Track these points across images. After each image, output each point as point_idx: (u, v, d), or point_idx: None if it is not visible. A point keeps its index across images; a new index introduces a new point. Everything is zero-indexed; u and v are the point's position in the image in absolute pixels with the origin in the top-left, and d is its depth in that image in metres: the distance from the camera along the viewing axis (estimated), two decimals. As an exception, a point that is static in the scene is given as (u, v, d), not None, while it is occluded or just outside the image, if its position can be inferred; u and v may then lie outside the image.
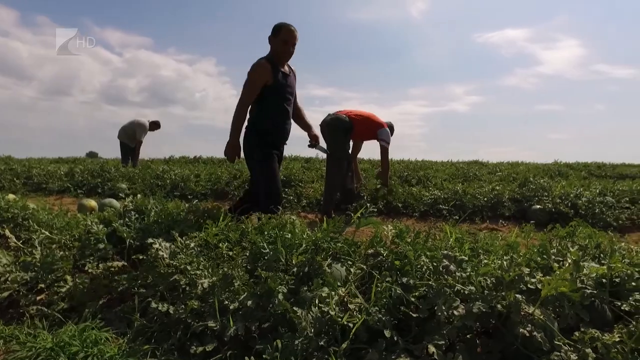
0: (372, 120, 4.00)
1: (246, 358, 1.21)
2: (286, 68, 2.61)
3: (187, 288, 1.60)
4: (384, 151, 4.03)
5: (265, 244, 1.73)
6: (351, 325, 1.24)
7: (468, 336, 1.25)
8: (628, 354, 1.14)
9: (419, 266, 1.40)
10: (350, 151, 4.07)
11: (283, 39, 2.47)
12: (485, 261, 1.42)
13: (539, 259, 1.51)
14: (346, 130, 3.84)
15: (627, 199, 4.12)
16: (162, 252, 1.74)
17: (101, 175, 5.48)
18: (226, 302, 1.47)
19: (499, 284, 1.28)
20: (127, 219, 2.25)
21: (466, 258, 1.38)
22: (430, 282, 1.30)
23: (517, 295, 1.21)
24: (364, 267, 1.53)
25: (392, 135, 4.13)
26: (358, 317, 1.26)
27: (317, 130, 2.98)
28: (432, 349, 1.13)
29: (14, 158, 10.98)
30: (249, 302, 1.40)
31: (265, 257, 1.71)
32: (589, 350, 1.15)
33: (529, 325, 1.18)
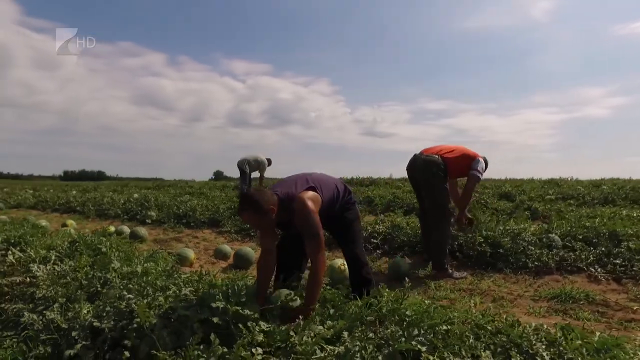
0: (466, 155, 3.68)
1: None
2: None
3: None
4: (474, 180, 3.64)
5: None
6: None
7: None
8: None
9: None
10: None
11: None
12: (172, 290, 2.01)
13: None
14: (443, 172, 3.55)
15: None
16: None
17: (142, 204, 7.04)
18: None
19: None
20: None
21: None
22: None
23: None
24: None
25: (486, 168, 3.79)
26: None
27: None
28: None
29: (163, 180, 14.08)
30: None
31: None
32: None
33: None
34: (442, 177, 3.58)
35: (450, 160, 3.63)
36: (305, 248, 2.00)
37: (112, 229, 5.48)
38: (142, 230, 5.12)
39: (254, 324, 1.74)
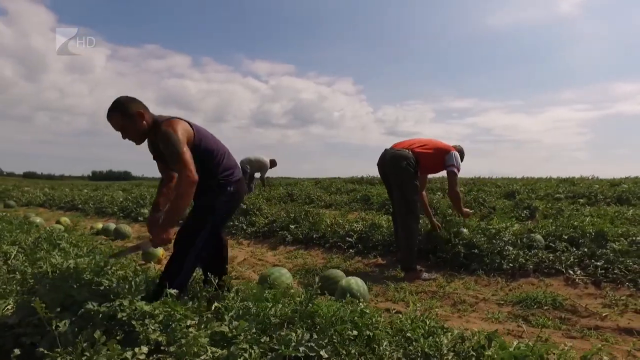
0: (439, 149, 3.53)
1: None
2: None
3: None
4: (453, 176, 3.48)
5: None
6: None
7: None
8: None
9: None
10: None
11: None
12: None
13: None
14: (414, 167, 3.42)
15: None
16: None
17: (138, 202, 7.14)
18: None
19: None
20: None
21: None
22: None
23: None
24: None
25: (462, 160, 3.62)
26: None
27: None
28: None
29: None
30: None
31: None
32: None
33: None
34: (412, 172, 3.41)
35: (422, 154, 3.48)
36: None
37: (99, 225, 5.57)
38: (126, 228, 5.16)
39: (152, 320, 1.67)
